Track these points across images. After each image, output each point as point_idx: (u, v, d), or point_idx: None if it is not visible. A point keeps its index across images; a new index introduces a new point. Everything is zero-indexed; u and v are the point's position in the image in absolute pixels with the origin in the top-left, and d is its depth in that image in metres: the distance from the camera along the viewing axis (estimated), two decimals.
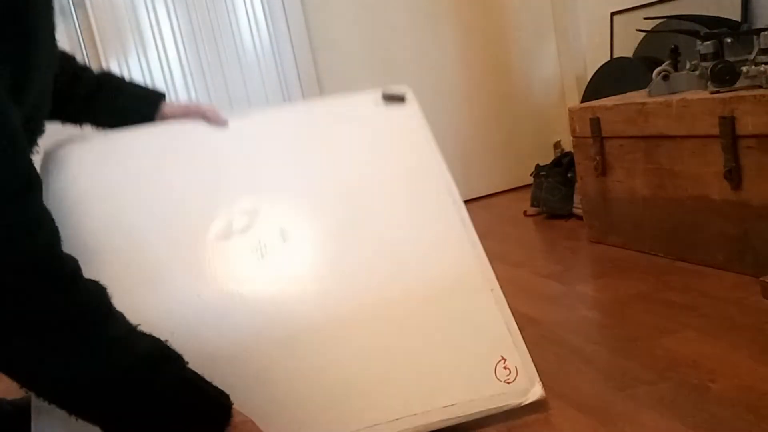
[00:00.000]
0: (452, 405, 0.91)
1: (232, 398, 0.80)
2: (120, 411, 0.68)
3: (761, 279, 1.24)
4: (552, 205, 2.07)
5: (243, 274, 0.99)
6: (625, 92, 1.78)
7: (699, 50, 1.47)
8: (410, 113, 1.21)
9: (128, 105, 1.09)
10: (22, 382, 0.67)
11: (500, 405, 0.93)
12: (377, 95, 1.22)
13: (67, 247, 0.72)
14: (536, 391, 0.95)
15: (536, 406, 0.95)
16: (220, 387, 0.80)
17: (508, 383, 0.94)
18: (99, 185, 1.03)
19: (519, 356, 0.97)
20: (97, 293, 0.70)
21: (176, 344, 0.79)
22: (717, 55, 1.44)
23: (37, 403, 0.82)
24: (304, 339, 0.95)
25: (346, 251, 1.04)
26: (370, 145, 1.17)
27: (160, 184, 1.06)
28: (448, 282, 1.03)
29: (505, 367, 0.95)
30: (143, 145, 1.09)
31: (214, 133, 1.12)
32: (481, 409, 0.92)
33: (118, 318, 0.71)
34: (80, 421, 0.70)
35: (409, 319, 0.99)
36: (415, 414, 0.90)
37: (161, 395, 0.70)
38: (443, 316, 1.00)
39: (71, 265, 0.68)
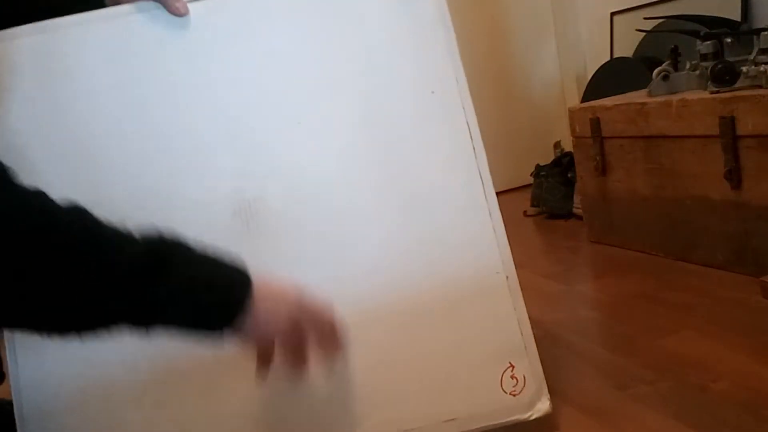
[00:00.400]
0: (452, 420, 0.85)
1: (213, 403, 0.75)
2: (130, 305, 0.63)
3: (761, 279, 1.24)
4: (552, 205, 2.07)
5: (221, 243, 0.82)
6: (625, 92, 1.78)
7: (699, 50, 1.47)
8: (433, 7, 0.90)
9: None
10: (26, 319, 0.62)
11: (503, 420, 0.86)
12: None
13: None
14: (542, 407, 0.87)
15: None
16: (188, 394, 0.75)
17: (514, 395, 0.87)
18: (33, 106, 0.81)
19: (529, 362, 0.88)
20: (42, 197, 0.62)
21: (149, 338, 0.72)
22: (717, 55, 1.44)
23: (20, 412, 0.80)
24: None
25: (336, 216, 0.86)
26: (377, 61, 0.88)
27: (106, 109, 0.82)
28: (457, 261, 0.87)
29: (512, 376, 0.87)
30: (85, 46, 0.83)
31: (177, 30, 0.86)
32: (482, 425, 0.86)
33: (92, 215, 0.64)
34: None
35: (407, 312, 0.86)
36: (412, 429, 0.84)
37: (173, 284, 0.64)
38: (447, 307, 0.87)
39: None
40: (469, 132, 0.91)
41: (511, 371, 0.87)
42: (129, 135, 0.83)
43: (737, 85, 1.33)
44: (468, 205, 0.89)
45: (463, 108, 0.90)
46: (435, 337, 0.87)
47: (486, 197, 0.89)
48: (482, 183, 0.89)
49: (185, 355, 0.75)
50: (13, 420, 0.90)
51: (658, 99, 1.48)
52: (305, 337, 0.71)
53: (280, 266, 0.81)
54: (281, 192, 0.85)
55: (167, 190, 0.83)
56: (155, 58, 0.85)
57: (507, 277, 0.88)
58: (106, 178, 0.82)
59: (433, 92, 0.89)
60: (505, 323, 0.88)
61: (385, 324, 0.86)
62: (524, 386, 0.87)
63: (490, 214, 0.89)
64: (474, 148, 0.90)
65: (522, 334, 0.88)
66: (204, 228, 0.79)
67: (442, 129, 0.90)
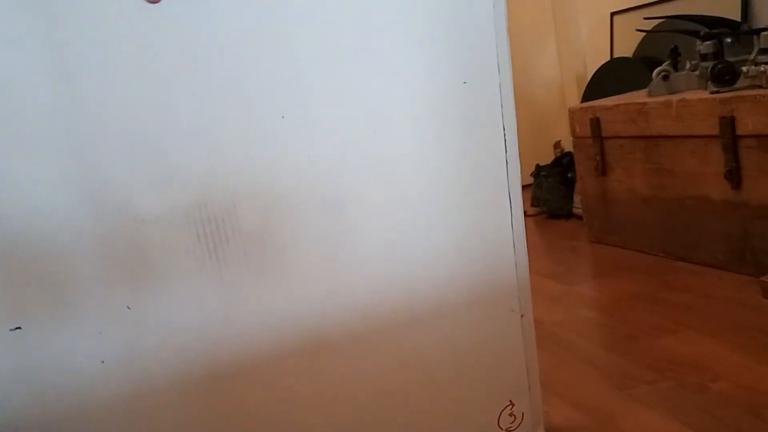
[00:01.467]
0: None
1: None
2: None
3: (761, 279, 1.24)
4: (552, 205, 2.07)
5: (184, 275, 0.62)
6: (625, 92, 1.78)
7: (699, 50, 1.47)
8: None
9: None
10: None
11: None
12: None
13: None
14: None
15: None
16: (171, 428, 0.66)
17: (510, 431, 0.83)
18: None
19: (530, 400, 0.82)
20: None
21: (108, 375, 0.62)
22: (717, 55, 1.44)
23: None
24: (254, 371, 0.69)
25: (333, 240, 0.67)
26: (402, 43, 0.67)
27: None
28: (469, 294, 0.75)
29: (511, 414, 0.82)
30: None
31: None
32: None
33: None
34: None
35: (410, 347, 0.75)
36: None
37: None
38: (455, 343, 0.77)
39: None
40: (504, 142, 0.72)
41: (511, 409, 0.82)
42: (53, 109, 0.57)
43: (737, 85, 1.33)
44: (491, 231, 0.74)
45: (501, 106, 0.72)
46: (437, 372, 0.78)
47: (512, 226, 0.74)
48: (510, 209, 0.74)
49: (129, 389, 0.65)
50: None
51: (658, 99, 1.48)
52: None
53: (258, 306, 0.65)
54: (259, 207, 0.63)
55: (105, 196, 0.59)
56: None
57: (522, 316, 0.78)
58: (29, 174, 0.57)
59: (465, 83, 0.71)
60: (512, 363, 0.80)
61: (386, 356, 0.74)
62: (521, 423, 0.83)
63: (514, 246, 0.74)
64: (507, 166, 0.73)
65: (528, 374, 0.81)
66: (156, 253, 0.60)
67: (473, 132, 0.72)
